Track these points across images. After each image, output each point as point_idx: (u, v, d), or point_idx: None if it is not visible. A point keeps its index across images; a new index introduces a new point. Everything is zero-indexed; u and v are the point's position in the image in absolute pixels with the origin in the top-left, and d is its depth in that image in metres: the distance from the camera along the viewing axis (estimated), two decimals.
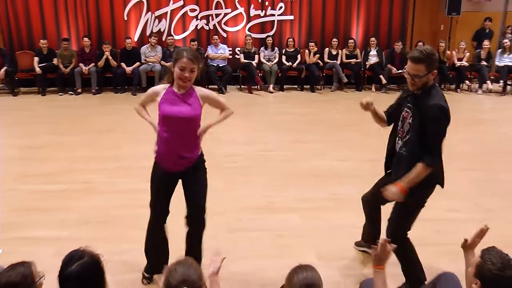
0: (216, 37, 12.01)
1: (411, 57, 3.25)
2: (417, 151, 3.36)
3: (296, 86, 12.26)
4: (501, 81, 11.93)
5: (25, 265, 2.37)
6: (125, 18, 12.17)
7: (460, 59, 12.03)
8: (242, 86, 11.92)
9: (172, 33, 12.24)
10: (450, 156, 6.83)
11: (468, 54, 12.12)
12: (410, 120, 3.39)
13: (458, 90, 12.06)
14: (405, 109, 3.45)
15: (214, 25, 12.44)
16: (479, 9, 12.87)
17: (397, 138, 3.53)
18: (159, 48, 11.75)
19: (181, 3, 12.26)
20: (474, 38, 12.82)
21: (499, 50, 12.05)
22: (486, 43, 12.02)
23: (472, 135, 8.25)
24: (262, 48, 12.15)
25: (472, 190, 5.74)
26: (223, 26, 12.46)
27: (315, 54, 11.91)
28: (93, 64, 11.39)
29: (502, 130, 8.54)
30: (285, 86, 12.00)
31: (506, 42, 11.84)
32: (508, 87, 11.88)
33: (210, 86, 11.55)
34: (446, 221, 4.66)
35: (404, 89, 3.62)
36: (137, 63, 11.45)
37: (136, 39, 12.18)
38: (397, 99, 3.64)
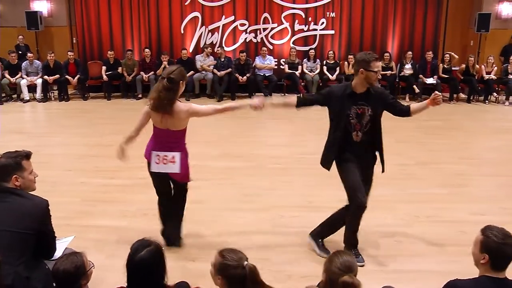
0: (264, 48, 12.05)
1: (377, 57, 3.77)
2: (378, 135, 3.92)
3: None
4: None
5: (77, 256, 2.47)
6: (182, 31, 12.37)
7: (488, 73, 11.68)
8: (286, 94, 11.91)
9: (223, 45, 12.35)
10: (477, 163, 6.73)
11: (496, 68, 11.76)
12: (370, 113, 3.82)
13: (486, 101, 11.70)
14: (357, 107, 3.83)
15: (262, 38, 12.48)
16: (506, 26, 12.47)
17: (353, 133, 3.86)
18: (211, 57, 11.88)
19: (232, 18, 12.36)
20: (501, 54, 12.45)
21: None
22: None
23: (499, 143, 8.00)
24: (305, 60, 12.10)
25: (498, 195, 5.58)
26: (270, 39, 12.49)
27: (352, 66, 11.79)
28: (152, 72, 11.60)
29: None
30: None
31: None
32: None
33: (257, 94, 11.62)
34: (471, 223, 4.53)
35: (333, 90, 3.98)
36: (192, 72, 11.60)
37: (191, 50, 12.35)
38: (327, 96, 3.99)
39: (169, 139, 3.88)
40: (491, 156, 7.22)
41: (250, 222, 4.71)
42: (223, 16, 12.34)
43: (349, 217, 3.93)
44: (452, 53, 11.78)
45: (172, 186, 4.08)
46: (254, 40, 12.50)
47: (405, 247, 4.29)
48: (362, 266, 3.80)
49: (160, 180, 4.00)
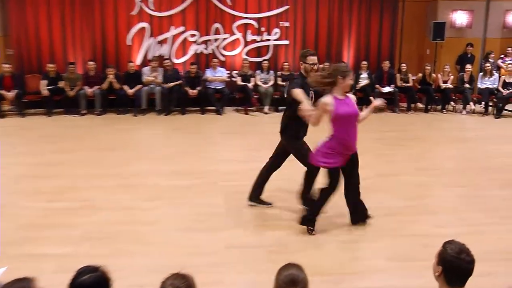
0: (215, 60, 12.05)
1: (312, 52, 5.13)
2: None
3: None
4: (483, 102, 12.00)
5: (25, 281, 2.33)
6: (129, 43, 12.21)
7: (445, 82, 12.11)
8: (239, 108, 11.93)
9: (173, 56, 12.28)
10: (437, 173, 6.92)
11: (452, 77, 12.21)
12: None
13: (444, 110, 12.12)
14: (312, 92, 5.03)
15: (213, 49, 12.49)
16: (461, 35, 13.00)
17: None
18: (160, 70, 11.75)
19: (182, 28, 12.32)
20: (457, 62, 12.95)
21: (481, 74, 12.14)
22: (468, 67, 12.12)
23: (457, 152, 8.28)
24: (258, 71, 12.18)
25: (457, 206, 5.74)
26: (221, 50, 12.52)
27: None
28: (97, 86, 11.39)
29: (485, 148, 8.55)
30: (280, 108, 12.00)
31: (487, 66, 11.94)
32: (490, 108, 11.92)
33: (208, 108, 11.59)
34: (431, 237, 4.63)
35: (295, 78, 5.28)
36: (139, 86, 11.45)
37: (139, 62, 12.20)
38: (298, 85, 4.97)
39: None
40: (450, 166, 7.44)
41: (203, 243, 4.65)
42: (173, 27, 12.29)
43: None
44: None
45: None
46: (205, 52, 12.50)
47: (366, 263, 4.33)
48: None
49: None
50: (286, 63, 12.23)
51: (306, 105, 4.71)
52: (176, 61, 12.25)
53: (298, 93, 4.83)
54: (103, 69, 11.69)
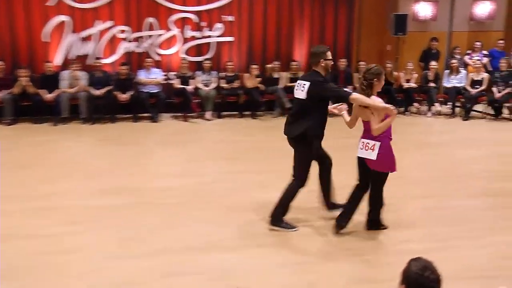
0: (149, 60, 11.93)
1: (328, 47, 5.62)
2: None
3: (235, 113, 12.24)
4: (450, 103, 12.35)
5: None
6: (45, 40, 11.87)
7: (408, 81, 12.40)
8: (177, 114, 11.82)
9: (100, 55, 12.06)
10: (402, 183, 7.04)
11: (416, 75, 12.51)
12: None
13: (407, 113, 12.40)
14: None
15: (146, 47, 12.35)
16: (425, 28, 13.37)
17: None
18: (83, 73, 11.47)
19: (109, 23, 12.12)
20: (421, 59, 13.25)
21: (447, 71, 12.51)
22: (433, 63, 12.45)
23: (423, 159, 8.49)
24: (198, 72, 12.14)
25: (425, 219, 5.88)
26: (156, 49, 12.40)
27: (256, 77, 11.99)
28: (7, 90, 10.99)
29: (452, 153, 8.81)
30: (224, 113, 12.00)
31: (454, 63, 12.31)
32: (457, 109, 12.30)
33: (141, 115, 11.43)
34: (398, 254, 4.69)
35: (318, 77, 5.42)
36: (60, 90, 11.16)
37: (58, 63, 11.89)
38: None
39: (368, 127, 5.23)
40: (416, 175, 7.61)
41: (135, 271, 4.55)
42: (99, 21, 12.06)
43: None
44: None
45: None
46: (137, 51, 12.35)
47: (323, 283, 4.36)
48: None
49: (359, 165, 5.38)
50: (230, 63, 12.24)
51: (381, 105, 5.16)
52: (104, 61, 12.02)
53: (361, 97, 5.20)
54: (13, 70, 11.31)
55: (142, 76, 11.80)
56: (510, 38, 13.38)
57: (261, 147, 9.09)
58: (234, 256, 4.86)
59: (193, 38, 12.55)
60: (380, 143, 5.16)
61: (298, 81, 5.52)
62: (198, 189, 6.75)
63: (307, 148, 5.42)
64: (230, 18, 12.64)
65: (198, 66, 12.36)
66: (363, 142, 5.25)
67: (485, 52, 13.08)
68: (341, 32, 13.19)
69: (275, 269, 4.63)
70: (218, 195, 6.50)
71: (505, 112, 12.15)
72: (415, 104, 12.52)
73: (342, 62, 12.45)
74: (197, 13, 12.48)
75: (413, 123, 11.67)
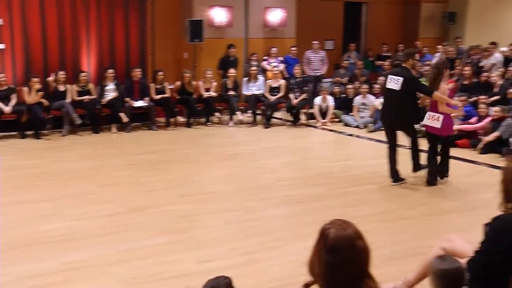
0: None
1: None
2: None
3: (15, 133, 11.46)
4: (250, 111, 12.87)
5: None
6: None
7: (207, 90, 12.68)
8: None
9: None
10: (203, 199, 7.18)
11: (215, 83, 12.86)
12: None
13: (209, 123, 12.68)
14: None
15: None
16: (221, 35, 13.83)
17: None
18: None
19: None
20: (219, 67, 13.63)
21: (245, 79, 13.07)
22: (232, 71, 12.92)
23: (227, 171, 8.77)
24: None
25: (228, 234, 6.02)
26: None
27: (38, 91, 11.35)
28: None
29: (255, 164, 9.20)
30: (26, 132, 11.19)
31: (253, 70, 12.91)
32: (258, 116, 12.90)
33: None
34: (199, 274, 4.70)
35: (409, 74, 7.55)
36: None
37: None
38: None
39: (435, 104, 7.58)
40: (218, 189, 7.83)
41: None
42: None
43: None
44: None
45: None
46: None
47: None
48: None
49: (426, 132, 7.82)
50: (2, 75, 11.32)
51: (452, 101, 7.67)
52: None
53: (440, 95, 7.33)
54: None
55: None
56: (302, 45, 14.44)
57: (49, 171, 8.56)
58: None
59: None
60: (443, 116, 7.34)
61: (390, 76, 7.50)
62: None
63: (412, 127, 7.84)
64: None
65: None
66: (430, 115, 7.46)
67: (280, 58, 13.97)
68: (133, 39, 13.03)
69: None
70: None
71: (303, 118, 13.04)
72: (217, 114, 12.82)
73: (137, 72, 12.25)
74: None
75: (215, 133, 12.01)
